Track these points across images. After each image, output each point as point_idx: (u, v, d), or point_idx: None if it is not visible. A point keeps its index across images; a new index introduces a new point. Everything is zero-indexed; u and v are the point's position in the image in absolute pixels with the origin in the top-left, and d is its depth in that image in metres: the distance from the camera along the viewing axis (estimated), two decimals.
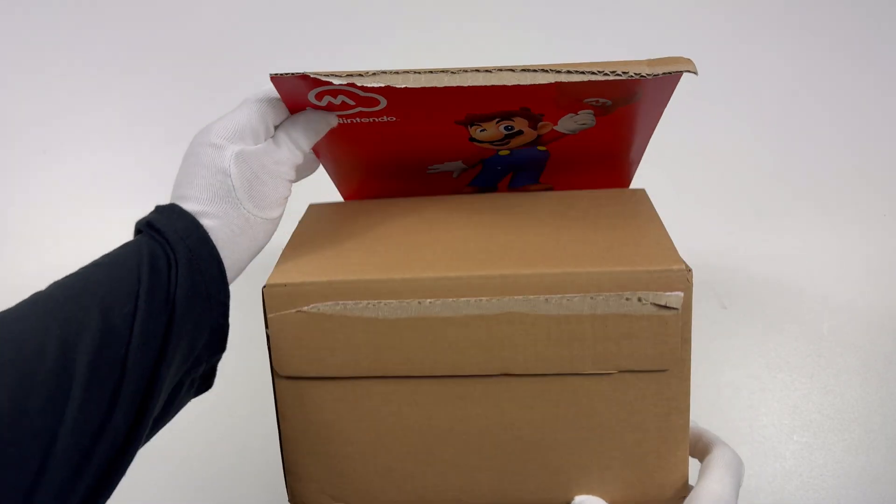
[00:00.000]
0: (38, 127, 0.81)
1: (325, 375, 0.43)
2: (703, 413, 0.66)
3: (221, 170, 0.41)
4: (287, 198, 0.45)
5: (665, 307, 0.42)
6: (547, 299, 0.40)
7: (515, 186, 0.55)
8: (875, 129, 0.77)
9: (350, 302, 0.42)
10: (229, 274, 0.41)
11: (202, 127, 0.44)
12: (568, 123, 0.47)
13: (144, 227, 0.39)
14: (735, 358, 0.68)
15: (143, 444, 0.38)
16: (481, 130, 0.47)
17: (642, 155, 0.52)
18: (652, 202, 0.50)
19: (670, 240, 0.44)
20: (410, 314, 0.41)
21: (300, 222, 0.51)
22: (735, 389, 0.67)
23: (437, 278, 0.41)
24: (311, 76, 0.41)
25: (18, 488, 0.30)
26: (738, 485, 0.42)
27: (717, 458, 0.43)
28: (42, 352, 0.32)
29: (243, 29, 0.84)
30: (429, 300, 0.41)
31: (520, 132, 0.48)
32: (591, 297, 0.40)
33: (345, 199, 0.58)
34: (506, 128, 0.47)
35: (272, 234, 0.44)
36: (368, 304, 0.41)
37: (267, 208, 0.43)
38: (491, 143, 0.49)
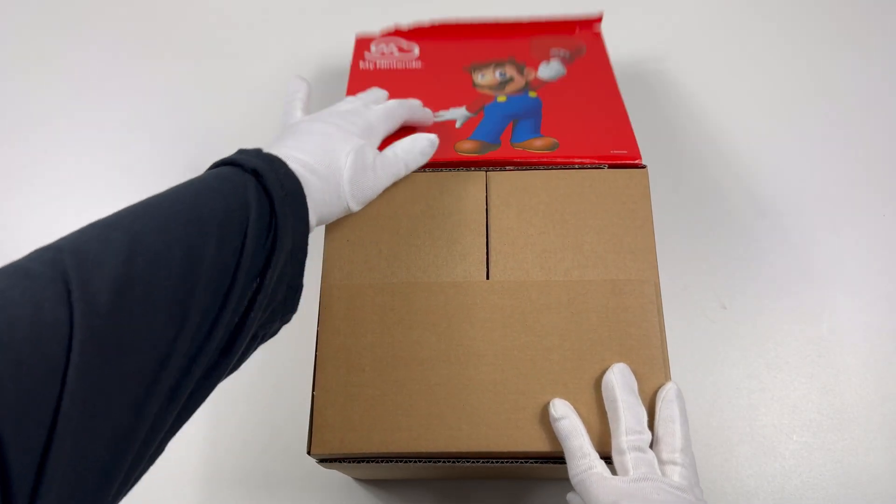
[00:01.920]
0: (38, 127, 0.81)
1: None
2: (703, 413, 0.66)
3: (342, 150, 0.47)
4: (370, 201, 0.51)
5: None
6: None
7: (518, 141, 0.57)
8: (875, 129, 0.77)
9: None
10: None
11: (346, 104, 0.52)
12: (546, 71, 0.65)
13: (251, 172, 0.42)
14: (735, 358, 0.68)
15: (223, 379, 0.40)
16: (482, 76, 0.65)
17: (619, 96, 0.62)
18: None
19: None
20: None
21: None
22: (735, 389, 0.67)
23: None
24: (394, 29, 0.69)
25: (147, 369, 0.33)
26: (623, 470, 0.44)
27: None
28: (169, 265, 0.35)
29: (244, 28, 0.84)
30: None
31: (511, 78, 0.63)
32: None
33: None
34: (500, 74, 0.64)
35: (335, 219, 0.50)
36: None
37: (357, 201, 0.49)
38: (490, 88, 0.63)
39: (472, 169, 0.55)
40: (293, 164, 0.44)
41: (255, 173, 0.42)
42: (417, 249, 0.52)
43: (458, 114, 0.61)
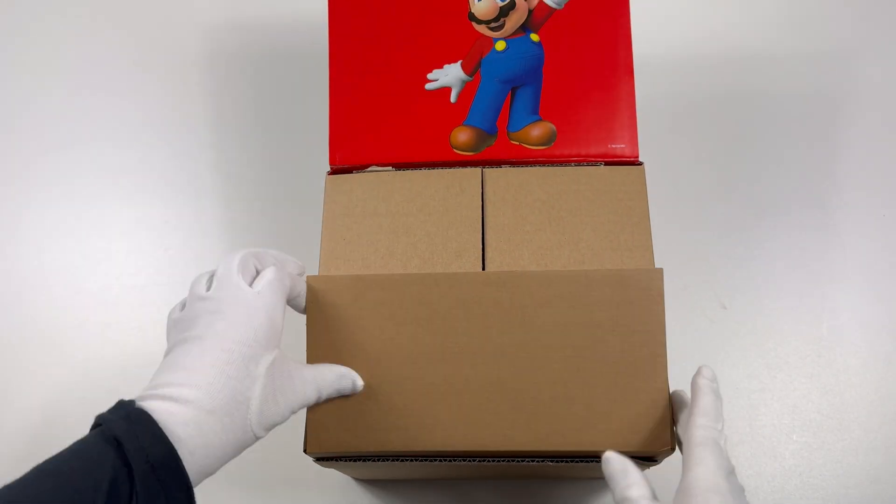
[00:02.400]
0: (37, 127, 0.81)
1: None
2: None
3: (248, 374, 0.41)
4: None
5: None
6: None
7: (515, 129, 0.56)
8: (875, 129, 0.77)
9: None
10: (196, 479, 0.39)
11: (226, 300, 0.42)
12: None
13: (112, 440, 0.36)
14: (735, 358, 0.68)
15: None
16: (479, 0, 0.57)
17: (632, 70, 0.56)
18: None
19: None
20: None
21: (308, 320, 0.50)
22: (734, 389, 0.67)
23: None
24: None
25: None
26: (724, 458, 0.41)
27: (695, 436, 0.42)
28: None
29: (243, 27, 0.84)
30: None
31: (512, 4, 0.56)
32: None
33: (332, 123, 0.56)
34: None
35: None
36: None
37: (265, 429, 0.42)
38: (487, 23, 0.56)
39: (469, 167, 0.55)
40: (178, 410, 0.38)
41: (118, 443, 0.36)
42: (413, 247, 0.52)
43: (452, 76, 0.57)
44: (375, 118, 0.56)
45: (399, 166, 0.55)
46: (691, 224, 0.73)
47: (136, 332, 0.72)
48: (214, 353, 0.40)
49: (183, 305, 0.45)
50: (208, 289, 0.44)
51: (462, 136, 0.56)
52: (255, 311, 0.42)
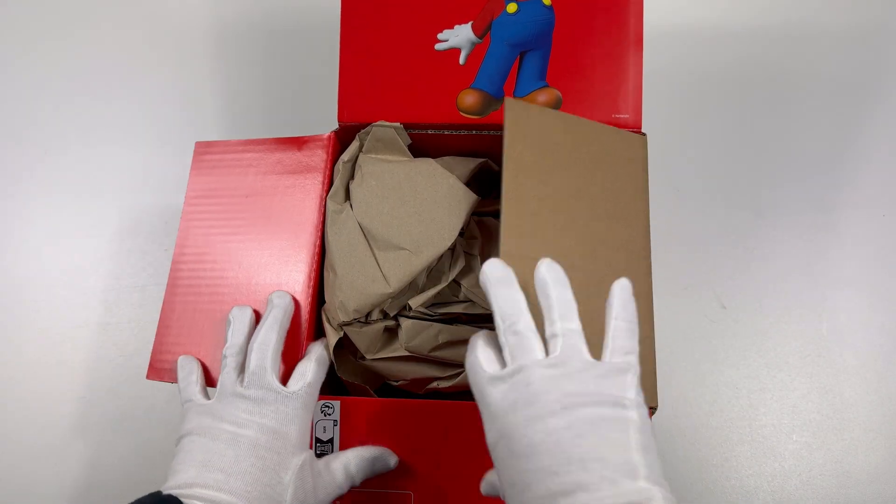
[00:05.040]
0: (38, 127, 0.81)
1: None
2: (703, 413, 0.66)
3: (280, 481, 0.41)
4: None
5: None
6: None
7: (522, 94, 0.55)
8: (875, 129, 0.77)
9: None
10: None
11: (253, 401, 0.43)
12: None
13: None
14: (735, 358, 0.68)
15: None
16: None
17: (641, 41, 0.55)
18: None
19: None
20: None
21: None
22: (734, 389, 0.67)
23: None
24: None
25: None
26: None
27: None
28: None
29: (242, 26, 0.84)
30: None
31: None
32: None
33: (342, 81, 0.57)
34: None
35: None
36: None
37: None
38: None
39: (474, 131, 0.55)
40: None
41: None
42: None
43: (462, 37, 0.56)
44: (384, 76, 0.56)
45: (405, 126, 0.55)
46: (692, 224, 0.73)
47: (136, 332, 0.72)
48: (249, 459, 0.41)
49: (203, 388, 0.45)
50: (238, 374, 0.44)
51: (468, 98, 0.55)
52: (288, 418, 0.42)
